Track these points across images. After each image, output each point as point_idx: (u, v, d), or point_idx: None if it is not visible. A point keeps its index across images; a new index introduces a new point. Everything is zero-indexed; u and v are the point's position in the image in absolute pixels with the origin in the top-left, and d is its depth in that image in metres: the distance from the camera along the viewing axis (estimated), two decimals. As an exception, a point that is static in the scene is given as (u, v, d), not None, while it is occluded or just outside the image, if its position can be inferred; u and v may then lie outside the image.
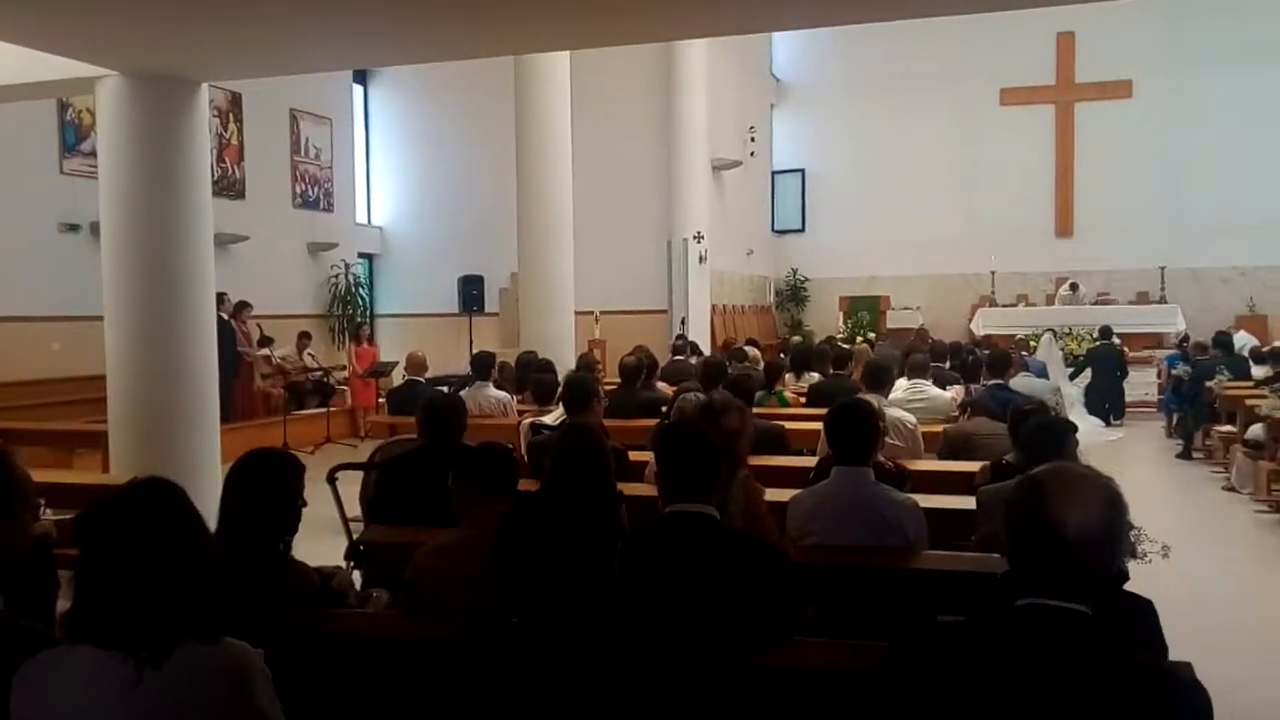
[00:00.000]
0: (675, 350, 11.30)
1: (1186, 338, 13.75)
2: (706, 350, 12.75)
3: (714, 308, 15.82)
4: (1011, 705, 1.64)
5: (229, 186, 13.60)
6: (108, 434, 6.61)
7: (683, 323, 14.45)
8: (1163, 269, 16.86)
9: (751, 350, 10.47)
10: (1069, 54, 18.48)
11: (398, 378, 11.05)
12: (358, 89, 16.82)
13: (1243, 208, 17.19)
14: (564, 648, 1.76)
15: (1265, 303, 17.43)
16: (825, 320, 18.77)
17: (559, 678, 1.74)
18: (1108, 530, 1.73)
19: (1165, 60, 17.68)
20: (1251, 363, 11.28)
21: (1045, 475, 1.80)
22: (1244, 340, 13.24)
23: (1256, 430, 8.34)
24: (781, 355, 10.21)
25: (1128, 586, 2.93)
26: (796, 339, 14.19)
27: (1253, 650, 4.92)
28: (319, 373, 13.03)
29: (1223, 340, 11.98)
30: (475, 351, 8.63)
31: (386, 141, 17.15)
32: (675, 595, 2.51)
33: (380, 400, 12.12)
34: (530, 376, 7.73)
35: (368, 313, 16.17)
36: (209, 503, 2.69)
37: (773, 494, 3.91)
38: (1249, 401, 8.79)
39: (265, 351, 12.70)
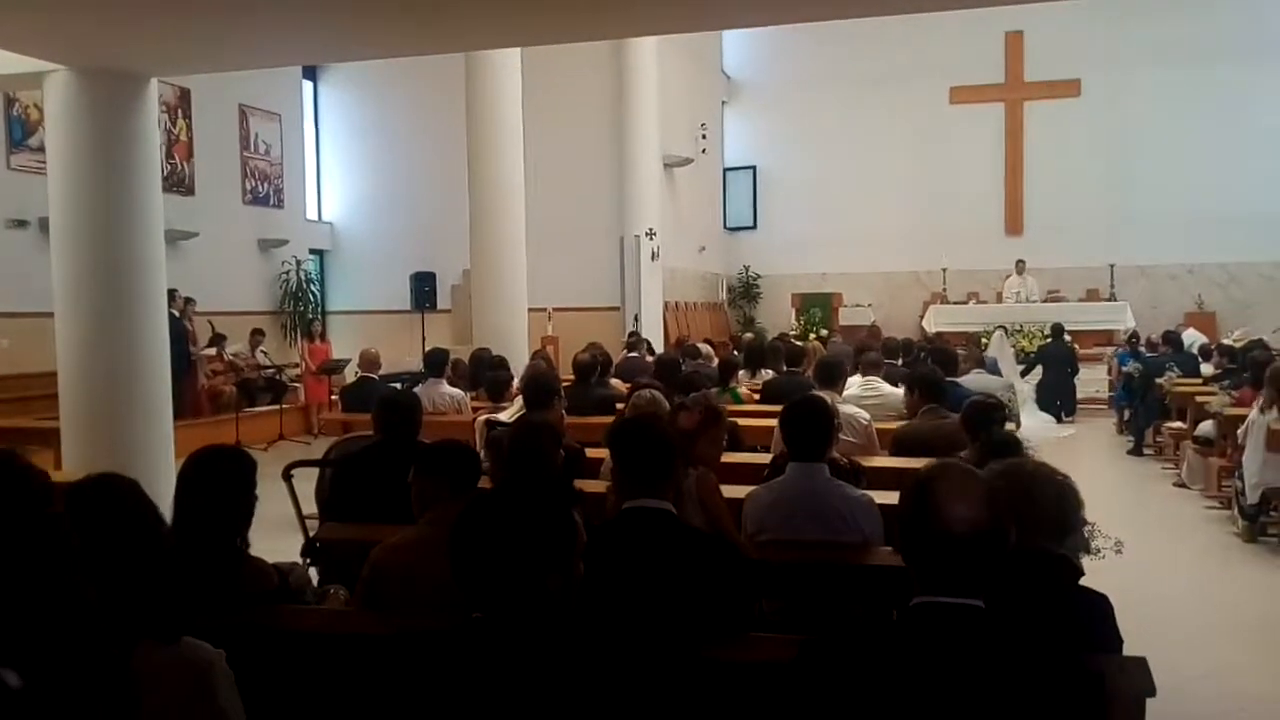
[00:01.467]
0: (629, 347, 11.33)
1: (1136, 335, 13.95)
2: (660, 347, 12.78)
3: (667, 305, 15.82)
4: (910, 703, 1.66)
5: (178, 183, 13.38)
6: (59, 431, 6.53)
7: (636, 320, 14.46)
8: (1112, 266, 16.91)
9: (705, 347, 10.52)
10: (1018, 53, 18.60)
11: (350, 375, 10.99)
12: (307, 85, 16.63)
13: (1190, 205, 17.34)
14: (524, 643, 1.77)
15: (1213, 300, 17.59)
16: (778, 317, 18.78)
17: (519, 673, 1.75)
18: (993, 524, 1.74)
19: (1113, 59, 17.81)
20: (1200, 360, 11.43)
21: (932, 472, 1.82)
22: (1193, 337, 13.36)
23: (1206, 427, 8.38)
24: (735, 352, 10.25)
25: (1083, 583, 2.99)
26: (749, 336, 14.26)
27: (1203, 644, 4.99)
28: (271, 370, 12.89)
29: (1172, 337, 12.14)
30: (429, 348, 8.60)
31: (337, 137, 16.96)
32: (633, 591, 2.52)
33: (333, 397, 12.02)
34: (484, 373, 7.73)
35: (319, 309, 16.02)
36: (165, 498, 2.67)
37: (728, 490, 3.91)
38: (1199, 398, 8.85)
39: (212, 350, 12.52)
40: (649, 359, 9.80)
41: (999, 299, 17.65)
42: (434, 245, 14.92)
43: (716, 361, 9.03)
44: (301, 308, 15.21)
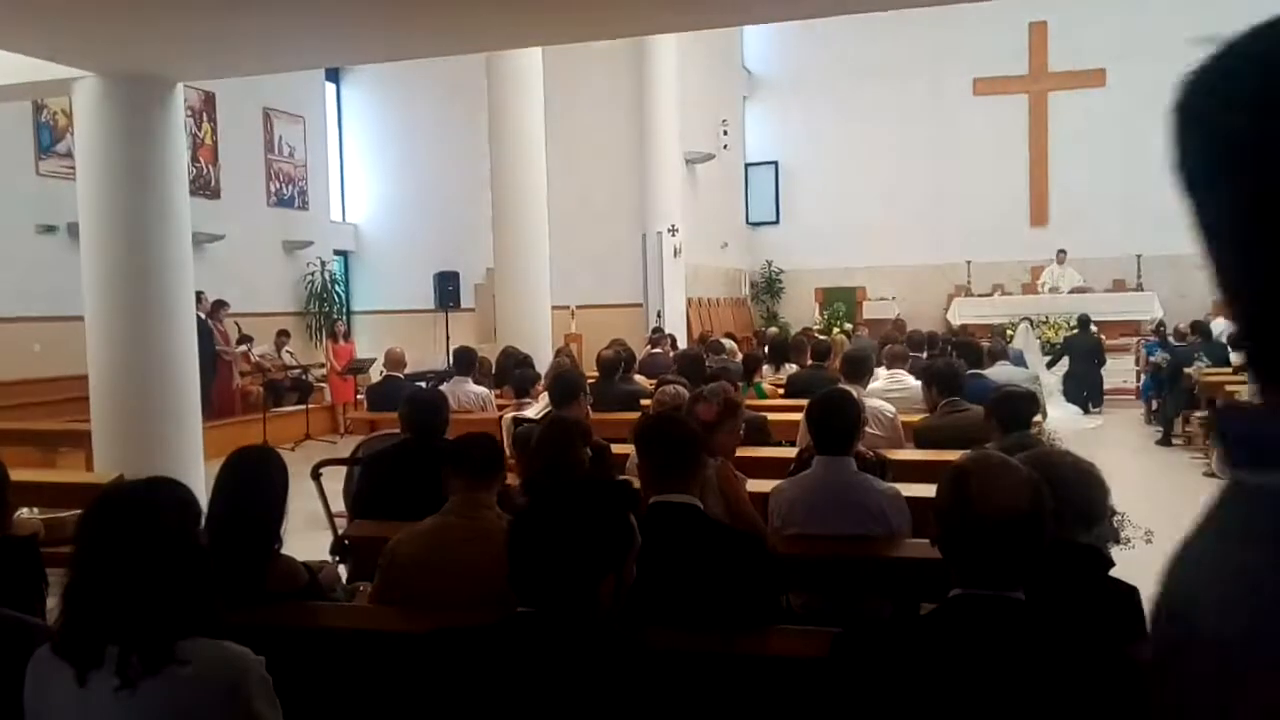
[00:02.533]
0: (652, 343, 11.32)
1: (1163, 325, 13.80)
2: (683, 343, 12.76)
3: (689, 301, 15.78)
4: (949, 697, 1.64)
5: (203, 186, 13.52)
6: (90, 433, 6.61)
7: (659, 316, 14.42)
8: (1139, 256, 16.83)
9: (729, 343, 10.49)
10: (1041, 43, 18.45)
11: (375, 374, 11.04)
12: (330, 87, 16.73)
13: None
14: (571, 640, 1.77)
15: None
16: (801, 312, 18.70)
17: (563, 670, 1.75)
18: (1032, 515, 1.73)
19: (1137, 48, 17.51)
20: (1230, 349, 11.21)
21: (969, 464, 1.81)
22: (1222, 326, 13.10)
23: None
24: (760, 347, 10.23)
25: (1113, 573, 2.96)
26: (773, 330, 14.22)
27: None
28: (297, 370, 12.98)
29: (1201, 327, 12.00)
30: (457, 347, 8.65)
31: (360, 139, 17.06)
32: (663, 586, 2.52)
33: (359, 397, 12.10)
34: (510, 371, 7.76)
35: (344, 310, 16.11)
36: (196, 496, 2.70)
37: (754, 485, 3.93)
38: (1228, 387, 8.79)
39: (244, 349, 12.64)
40: (672, 355, 9.79)
41: (1024, 290, 17.56)
42: (457, 245, 14.96)
43: (740, 356, 9.02)
44: (326, 308, 15.30)
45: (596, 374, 7.61)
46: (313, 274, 15.26)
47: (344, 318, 15.59)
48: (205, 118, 13.72)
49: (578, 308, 14.06)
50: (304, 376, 12.88)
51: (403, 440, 4.54)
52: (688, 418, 3.64)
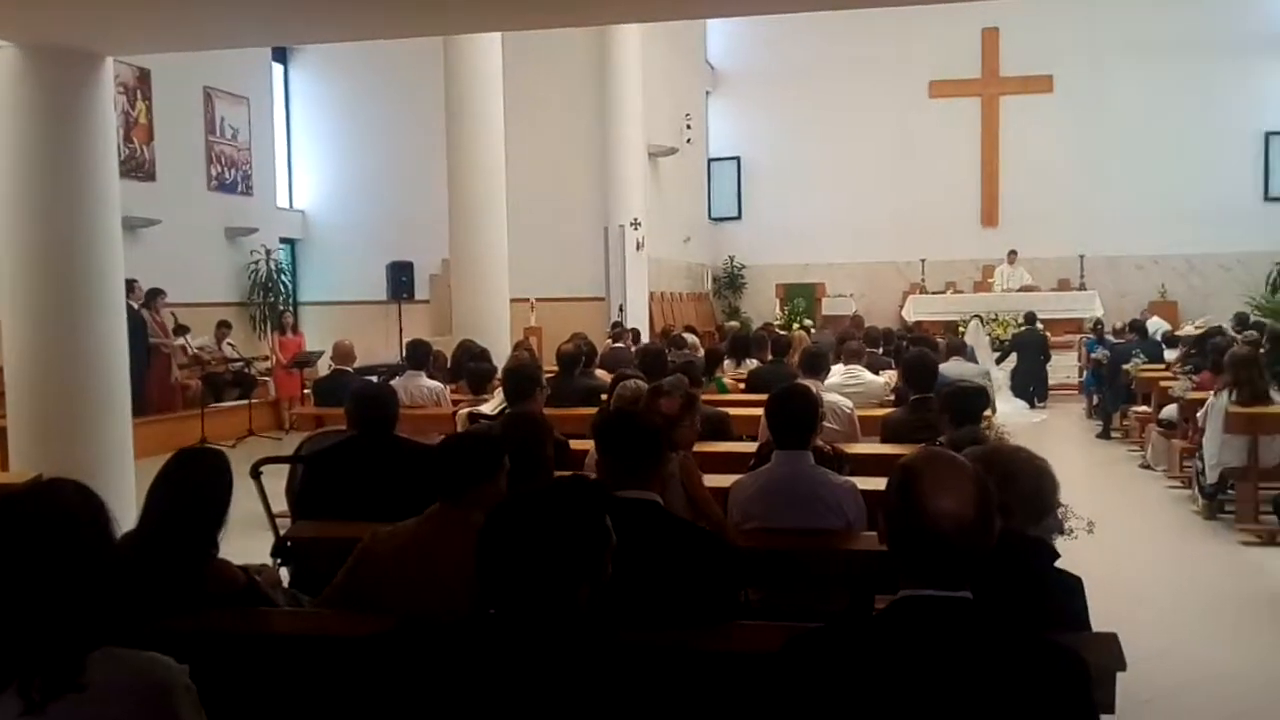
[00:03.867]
0: (613, 337, 11.19)
1: (1102, 323, 14.33)
2: (646, 338, 12.65)
3: (652, 295, 15.77)
4: (898, 697, 1.64)
5: (137, 167, 12.97)
6: (5, 430, 6.28)
7: (620, 310, 14.36)
8: (1082, 257, 17.39)
9: (690, 337, 10.46)
10: (994, 49, 18.95)
11: (324, 368, 10.76)
12: (277, 68, 16.26)
13: (1156, 199, 17.93)
14: (541, 642, 1.73)
15: (1176, 289, 18.26)
16: (762, 307, 18.94)
17: (532, 671, 1.71)
18: (980, 518, 1.72)
19: (1083, 56, 18.25)
20: (1164, 346, 11.78)
21: (918, 464, 1.79)
22: (1157, 325, 13.90)
23: (1169, 410, 8.69)
24: (722, 343, 10.20)
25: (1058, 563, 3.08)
26: (735, 325, 14.22)
27: (1166, 619, 5.15)
28: (239, 363, 12.57)
29: (1138, 325, 12.61)
30: (409, 340, 8.42)
31: (309, 123, 16.62)
32: (623, 583, 2.41)
33: (305, 391, 11.75)
34: (466, 365, 7.56)
35: (291, 301, 15.66)
36: (122, 498, 2.51)
37: (715, 480, 3.95)
38: (1162, 383, 9.18)
39: (181, 341, 12.19)
40: (634, 349, 9.66)
41: (976, 289, 18.15)
42: (411, 234, 14.67)
43: (702, 351, 8.94)
44: (272, 299, 14.86)
45: (556, 368, 7.45)
46: (257, 263, 14.79)
47: (291, 309, 15.17)
48: (140, 96, 13.16)
49: (538, 300, 13.92)
50: (246, 370, 12.49)
51: (349, 437, 4.41)
52: (648, 412, 3.65)
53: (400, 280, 14.06)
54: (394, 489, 3.60)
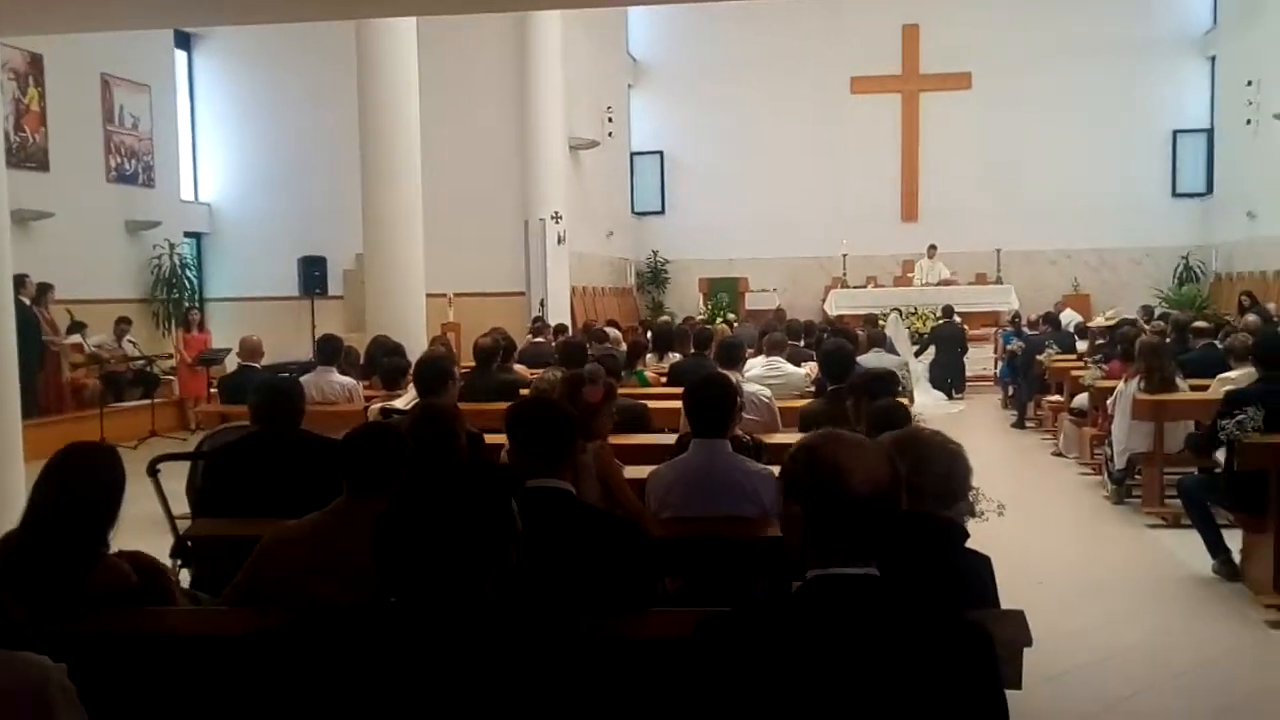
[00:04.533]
0: (534, 332, 11.04)
1: (1018, 315, 14.64)
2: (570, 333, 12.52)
3: (574, 289, 15.67)
4: (809, 677, 1.66)
5: (28, 157, 12.28)
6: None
7: (542, 305, 14.21)
8: (998, 251, 17.79)
9: (613, 331, 10.42)
10: (914, 46, 19.29)
11: (231, 365, 10.37)
12: (180, 54, 15.63)
13: (1069, 195, 18.50)
14: (444, 629, 1.70)
15: (1088, 282, 18.84)
16: (686, 302, 19.04)
17: (434, 660, 1.68)
18: (890, 479, 1.76)
19: (1001, 55, 18.66)
20: (1076, 337, 12.10)
21: (815, 439, 1.82)
22: (1070, 317, 14.30)
23: (1080, 399, 8.91)
24: (645, 336, 10.18)
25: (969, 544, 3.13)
26: (664, 319, 14.22)
27: (1076, 600, 5.28)
28: (141, 361, 12.09)
29: (1051, 317, 13.02)
30: (320, 335, 8.16)
31: (215, 112, 16.04)
32: (534, 573, 2.39)
33: (212, 390, 11.33)
34: (379, 360, 7.36)
35: (196, 296, 15.10)
36: (11, 502, 2.35)
37: (634, 471, 3.99)
38: (1074, 373, 9.37)
39: (76, 338, 11.62)
40: (554, 344, 9.53)
41: (896, 283, 18.48)
42: (324, 227, 14.30)
43: (624, 345, 8.87)
44: (176, 295, 14.27)
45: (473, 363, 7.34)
46: (160, 257, 14.19)
47: (197, 305, 14.61)
48: (32, 81, 12.49)
49: (456, 296, 13.67)
50: (149, 368, 12.04)
51: (252, 432, 4.30)
52: (568, 401, 3.62)
53: (313, 275, 13.66)
54: (299, 484, 3.52)
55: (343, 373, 7.47)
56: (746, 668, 1.70)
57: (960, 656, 1.69)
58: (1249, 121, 16.43)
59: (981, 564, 2.62)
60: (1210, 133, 18.85)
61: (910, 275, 18.25)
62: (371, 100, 10.76)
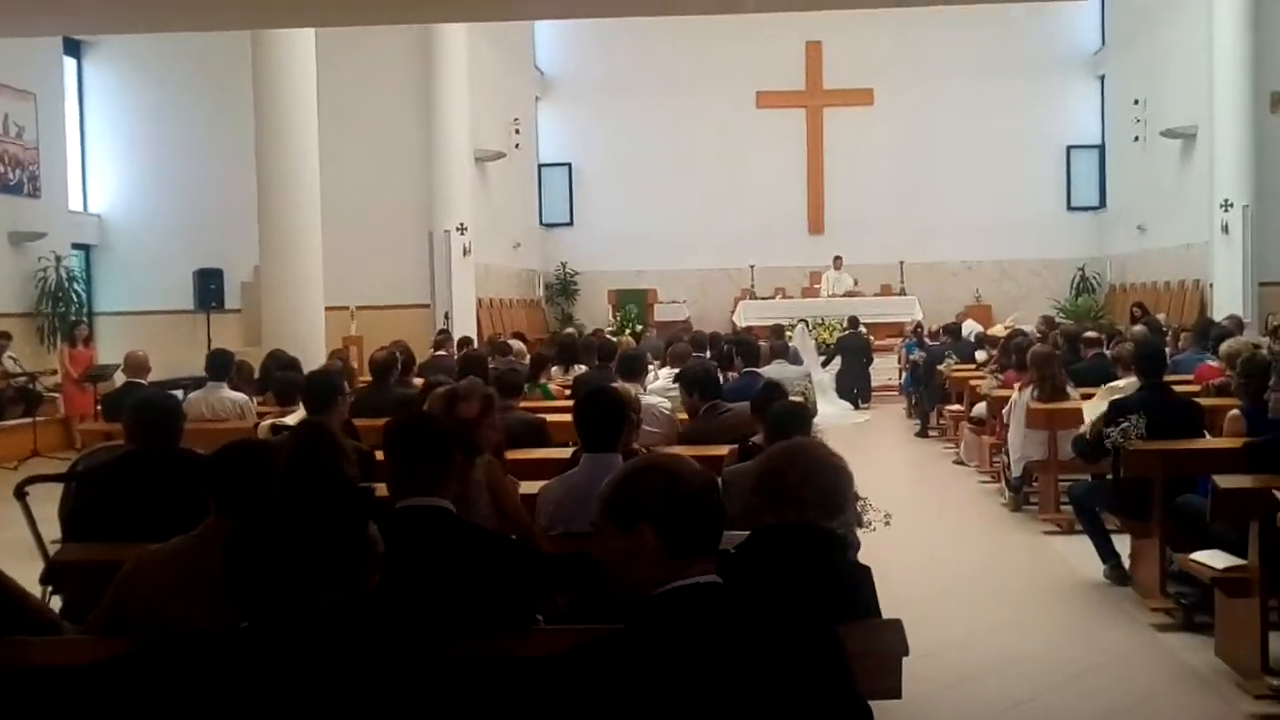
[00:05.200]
0: (436, 345, 10.89)
1: (921, 326, 14.90)
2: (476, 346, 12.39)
3: (480, 302, 15.52)
4: (671, 690, 1.68)
5: (-96, 166, 11.69)
6: None
7: (446, 318, 14.08)
8: (902, 263, 18.12)
9: (516, 344, 10.32)
10: (817, 61, 19.66)
11: (120, 381, 9.97)
12: (69, 61, 15.02)
13: (970, 208, 18.98)
14: (292, 653, 1.69)
15: (989, 294, 19.33)
16: (595, 313, 18.94)
17: (284, 684, 1.67)
18: (715, 484, 1.89)
19: (901, 70, 19.11)
20: (976, 348, 12.28)
21: (640, 460, 1.96)
22: (971, 328, 14.60)
23: (979, 409, 9.03)
24: (547, 347, 10.12)
25: (863, 555, 3.20)
26: (570, 331, 14.16)
27: (971, 606, 5.36)
28: (22, 378, 11.58)
29: (952, 328, 13.25)
30: (211, 350, 7.91)
31: (107, 120, 15.45)
32: (408, 594, 2.39)
33: (100, 407, 10.87)
34: (273, 375, 7.17)
35: (85, 311, 14.49)
36: None
37: (531, 486, 3.93)
38: (973, 382, 9.51)
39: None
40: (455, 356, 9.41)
41: (804, 294, 18.69)
42: (221, 239, 13.90)
43: (528, 358, 8.79)
44: (63, 309, 13.67)
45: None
46: (46, 270, 13.58)
47: (85, 320, 14.01)
48: (-95, 88, 11.86)
49: (358, 309, 13.40)
50: (31, 385, 11.53)
51: (127, 451, 4.17)
52: (444, 417, 3.57)
53: (209, 288, 13.39)
54: (175, 505, 3.35)
55: (235, 388, 7.29)
56: (616, 690, 1.70)
57: (813, 659, 1.73)
58: (1137, 138, 17.08)
59: (862, 574, 2.65)
60: (1102, 149, 19.57)
61: (817, 287, 18.48)
62: (269, 109, 10.52)
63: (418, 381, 7.65)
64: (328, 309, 10.97)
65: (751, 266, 18.19)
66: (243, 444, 3.01)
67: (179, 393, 7.33)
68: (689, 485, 1.82)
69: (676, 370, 7.19)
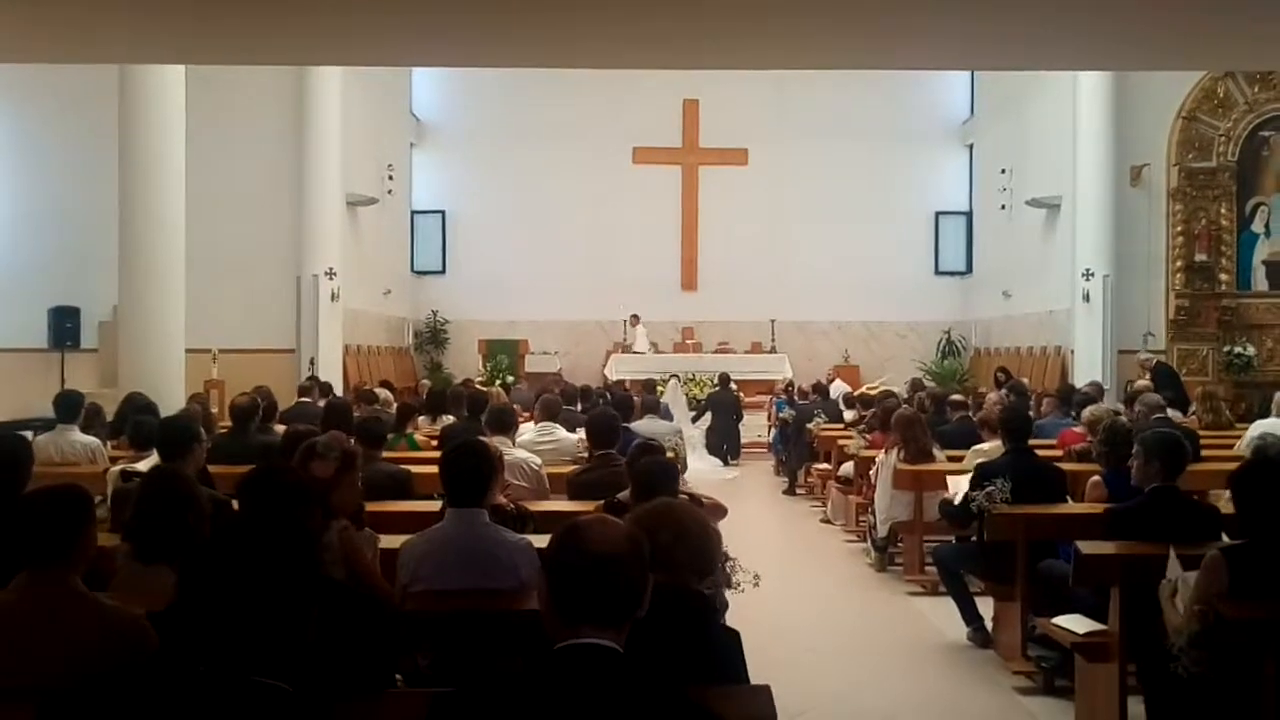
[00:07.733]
0: (302, 392, 10.67)
1: (791, 384, 15.23)
2: (341, 393, 12.16)
3: (347, 348, 15.19)
4: None
5: None
6: None
7: (312, 363, 13.77)
8: (773, 321, 18.49)
9: (383, 392, 10.22)
10: (694, 120, 19.97)
11: (-42, 424, 9.38)
12: (-85, 87, 14.18)
13: (839, 269, 19.38)
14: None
15: (857, 354, 19.70)
16: (465, 362, 18.67)
17: None
18: (628, 550, 1.83)
19: (775, 132, 19.54)
20: (844, 407, 12.54)
21: (573, 523, 1.91)
22: (839, 388, 14.80)
23: (847, 468, 9.18)
24: (415, 397, 10.02)
25: (731, 615, 3.23)
26: (427, 383, 13.97)
27: (835, 666, 5.43)
28: None
29: (820, 387, 13.57)
30: (60, 391, 7.59)
31: (-46, 150, 14.60)
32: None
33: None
34: (130, 419, 6.94)
35: (-76, 347, 13.55)
36: None
37: (393, 541, 3.83)
38: (840, 442, 9.63)
39: None
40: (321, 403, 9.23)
41: (675, 349, 18.78)
42: (78, 277, 13.20)
43: (395, 407, 8.70)
44: (-100, 346, 12.76)
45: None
46: (-119, 304, 12.67)
47: (-78, 357, 13.09)
48: None
49: (221, 352, 12.97)
50: None
51: None
52: (297, 471, 3.52)
53: (64, 327, 12.76)
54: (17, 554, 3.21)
55: (87, 431, 7.08)
56: None
57: None
58: (1003, 207, 17.72)
59: (731, 639, 2.65)
60: (969, 215, 20.12)
61: (690, 342, 18.72)
62: (133, 143, 10.25)
63: (280, 429, 7.52)
64: (189, 351, 10.63)
65: (624, 320, 18.31)
66: (51, 490, 2.82)
67: (28, 433, 7.03)
68: (585, 551, 1.81)
69: (545, 423, 7.19)
